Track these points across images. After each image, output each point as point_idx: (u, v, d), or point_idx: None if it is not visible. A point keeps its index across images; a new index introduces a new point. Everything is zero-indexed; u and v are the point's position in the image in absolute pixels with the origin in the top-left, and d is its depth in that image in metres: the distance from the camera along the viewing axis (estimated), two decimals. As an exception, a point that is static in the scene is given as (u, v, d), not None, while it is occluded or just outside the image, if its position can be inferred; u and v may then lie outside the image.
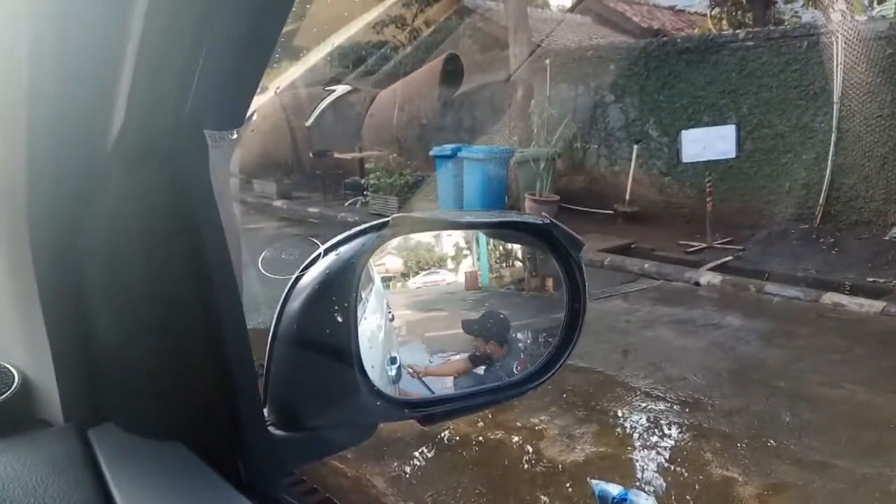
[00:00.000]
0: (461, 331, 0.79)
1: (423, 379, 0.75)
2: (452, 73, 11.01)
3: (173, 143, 0.53)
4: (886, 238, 7.14)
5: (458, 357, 0.77)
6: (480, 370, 0.77)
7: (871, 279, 6.22)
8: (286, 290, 0.67)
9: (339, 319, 0.64)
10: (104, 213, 0.55)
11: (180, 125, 0.52)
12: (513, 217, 0.76)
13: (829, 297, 5.86)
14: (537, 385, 0.74)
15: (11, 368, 0.61)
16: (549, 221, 0.70)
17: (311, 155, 12.56)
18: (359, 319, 0.68)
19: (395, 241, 0.77)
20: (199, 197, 0.56)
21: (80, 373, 0.59)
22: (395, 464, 3.38)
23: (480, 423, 3.70)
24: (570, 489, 3.17)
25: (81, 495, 0.50)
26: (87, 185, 0.54)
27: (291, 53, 11.11)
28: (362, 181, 10.95)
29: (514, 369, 0.79)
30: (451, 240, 0.86)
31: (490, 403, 0.75)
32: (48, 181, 0.54)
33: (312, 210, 10.99)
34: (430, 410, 0.70)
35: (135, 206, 0.55)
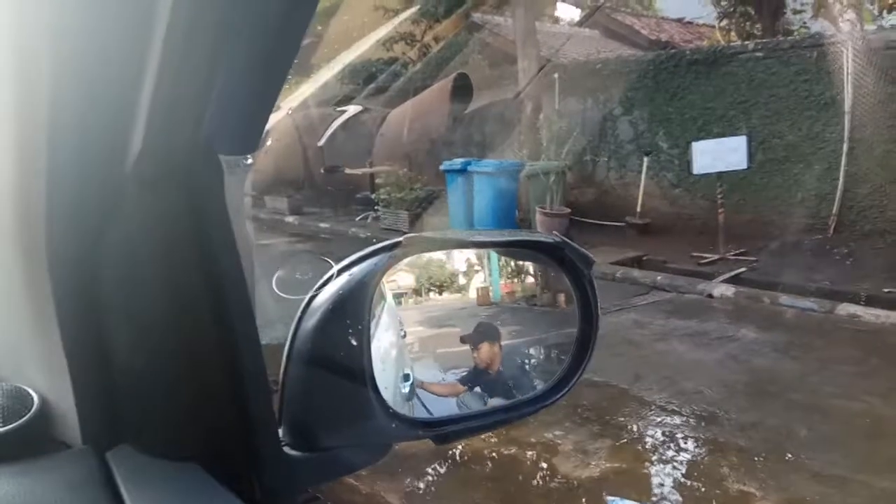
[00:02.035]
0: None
1: (418, 392, 0.75)
2: (462, 91, 11.06)
3: (190, 166, 0.54)
4: (901, 248, 7.08)
5: (451, 380, 0.78)
6: (478, 390, 0.77)
7: (886, 290, 6.16)
8: (301, 310, 0.68)
9: (353, 341, 0.65)
10: (122, 235, 0.56)
11: (197, 149, 0.53)
12: (523, 235, 0.76)
13: (845, 308, 5.81)
14: (551, 403, 0.74)
15: (31, 391, 0.62)
16: (559, 240, 0.70)
17: (322, 171, 12.64)
18: (372, 337, 0.68)
19: (406, 259, 0.77)
20: (215, 220, 0.56)
21: (98, 395, 0.60)
22: (409, 480, 3.36)
23: (494, 439, 3.69)
24: (585, 505, 3.15)
25: None
26: (104, 208, 0.55)
27: (303, 72, 11.22)
28: (373, 196, 11.00)
29: (511, 385, 0.79)
30: (463, 255, 0.86)
31: (504, 422, 0.75)
32: (67, 204, 0.55)
33: (323, 225, 11.05)
34: (445, 430, 0.70)
35: (151, 228, 0.56)
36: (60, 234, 0.57)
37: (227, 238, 0.58)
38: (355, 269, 0.67)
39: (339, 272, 0.68)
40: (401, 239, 0.67)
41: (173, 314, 0.59)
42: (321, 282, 0.68)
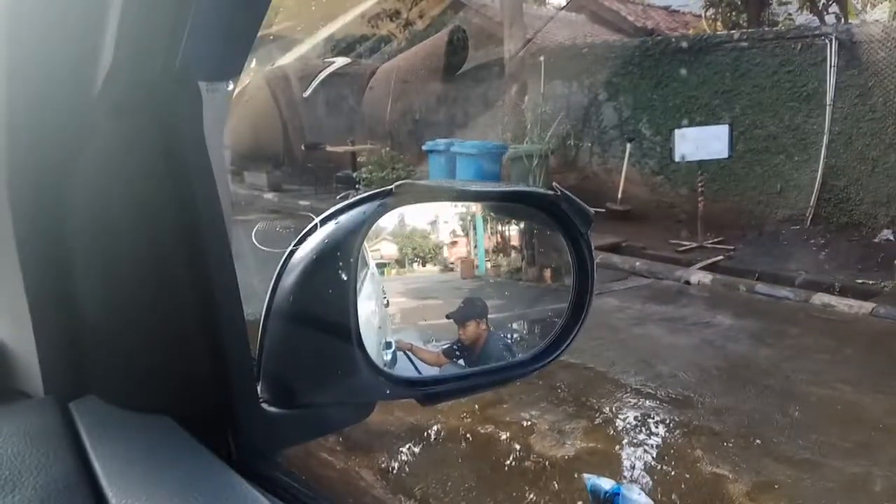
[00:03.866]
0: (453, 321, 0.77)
1: (404, 355, 0.72)
2: (457, 47, 10.93)
3: (164, 91, 0.49)
4: (876, 240, 7.18)
5: (435, 350, 0.75)
6: (461, 363, 0.75)
7: (860, 281, 6.25)
8: (280, 263, 0.64)
9: (339, 292, 0.61)
10: (89, 168, 0.51)
11: (171, 72, 0.49)
12: (521, 188, 0.72)
13: (819, 298, 5.88)
14: (543, 366, 0.71)
15: (-12, 336, 0.58)
16: (559, 193, 0.66)
17: (303, 148, 12.48)
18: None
19: (390, 227, 0.74)
20: (192, 150, 0.52)
21: (62, 341, 0.56)
22: (384, 457, 3.35)
23: (469, 419, 3.68)
24: (559, 484, 3.15)
25: (61, 468, 0.47)
26: (70, 137, 0.50)
27: (283, 46, 11.02)
28: (354, 175, 10.90)
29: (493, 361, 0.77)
30: (448, 227, 0.83)
31: (494, 383, 0.72)
32: (28, 132, 0.50)
33: (303, 203, 10.92)
34: (432, 389, 0.67)
35: (122, 159, 0.51)
36: (22, 167, 0.52)
37: (206, 175, 0.53)
38: (342, 218, 0.63)
39: (323, 222, 0.63)
40: (392, 187, 0.63)
41: (145, 257, 0.55)
42: (303, 233, 0.64)
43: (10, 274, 0.55)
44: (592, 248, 0.72)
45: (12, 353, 0.58)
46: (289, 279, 0.62)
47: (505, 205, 0.77)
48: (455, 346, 0.75)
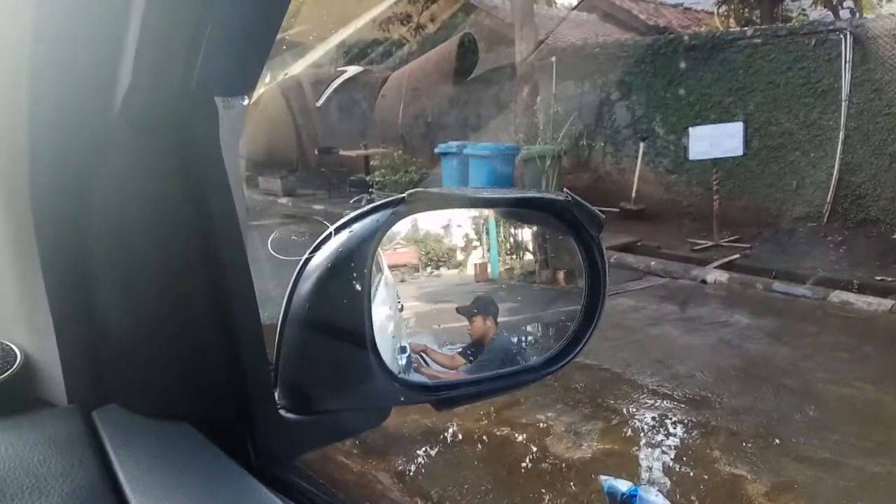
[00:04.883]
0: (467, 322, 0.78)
1: (420, 357, 0.73)
2: (467, 53, 10.97)
3: (182, 107, 0.51)
4: (894, 236, 7.09)
5: (450, 353, 0.76)
6: (477, 364, 0.76)
7: (879, 277, 6.17)
8: (296, 271, 0.65)
9: (353, 299, 0.62)
10: (109, 181, 0.53)
11: (189, 89, 0.50)
12: (532, 193, 0.73)
13: (837, 296, 5.82)
14: (556, 369, 0.72)
15: (14, 347, 0.59)
16: (569, 199, 0.67)
17: (316, 152, 12.55)
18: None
19: (404, 232, 0.75)
20: (209, 164, 0.53)
21: (85, 352, 0.57)
22: (401, 460, 3.36)
23: (485, 420, 3.68)
24: (576, 486, 3.15)
25: (85, 476, 0.48)
26: (91, 153, 0.52)
27: (296, 53, 11.09)
28: (367, 178, 10.94)
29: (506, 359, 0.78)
30: (461, 231, 0.84)
31: (509, 387, 0.72)
32: (50, 149, 0.51)
33: (318, 207, 10.98)
34: (448, 394, 0.68)
35: (141, 174, 0.53)
36: (44, 183, 0.53)
37: (223, 188, 0.54)
38: (356, 226, 0.64)
39: (338, 230, 0.65)
40: (404, 195, 0.64)
41: (164, 269, 0.56)
42: (318, 241, 0.65)
43: (34, 286, 0.56)
44: (604, 251, 0.73)
45: (36, 364, 0.60)
46: (304, 287, 0.63)
47: (516, 210, 0.78)
48: (469, 350, 0.76)
